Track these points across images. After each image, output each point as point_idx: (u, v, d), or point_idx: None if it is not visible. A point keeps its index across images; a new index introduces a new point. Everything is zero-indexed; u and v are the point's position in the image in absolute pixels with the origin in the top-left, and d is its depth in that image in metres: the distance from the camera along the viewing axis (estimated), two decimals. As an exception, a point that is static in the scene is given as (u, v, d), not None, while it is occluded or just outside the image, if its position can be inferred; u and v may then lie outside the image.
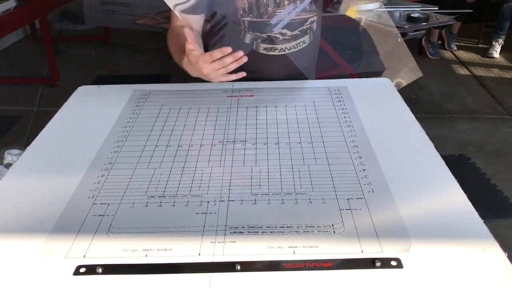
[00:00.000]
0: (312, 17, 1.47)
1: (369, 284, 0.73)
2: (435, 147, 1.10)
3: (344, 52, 3.71)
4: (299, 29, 1.46)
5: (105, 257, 0.79)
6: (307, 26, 1.47)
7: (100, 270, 0.76)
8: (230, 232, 0.84)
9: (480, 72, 4.22)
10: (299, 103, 1.33)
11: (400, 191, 0.94)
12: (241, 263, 0.76)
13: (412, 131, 1.18)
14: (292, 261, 0.77)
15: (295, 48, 1.48)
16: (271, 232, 0.84)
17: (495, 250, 0.78)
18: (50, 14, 4.08)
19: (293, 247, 0.80)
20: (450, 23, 3.25)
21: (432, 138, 1.14)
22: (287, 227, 0.85)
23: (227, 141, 1.15)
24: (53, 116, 1.31)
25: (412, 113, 1.27)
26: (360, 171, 1.01)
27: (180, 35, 1.36)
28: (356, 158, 1.06)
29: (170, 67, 4.07)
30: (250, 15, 1.43)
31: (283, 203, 0.92)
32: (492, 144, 3.07)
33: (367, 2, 2.48)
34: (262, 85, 1.47)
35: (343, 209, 0.89)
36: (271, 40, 1.45)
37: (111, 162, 1.07)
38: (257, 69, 1.43)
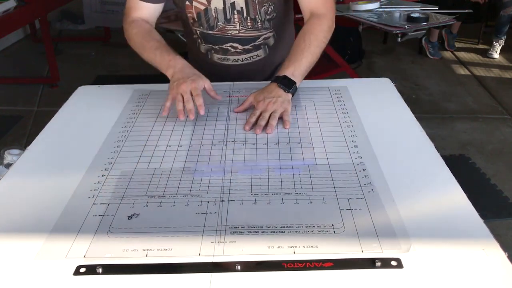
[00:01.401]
0: (266, 34, 1.45)
1: (369, 284, 0.73)
2: (435, 147, 1.10)
3: (344, 52, 3.71)
4: (251, 44, 1.46)
5: (105, 257, 0.79)
6: (260, 42, 1.46)
7: (100, 270, 0.76)
8: (230, 232, 0.84)
9: (480, 72, 4.22)
10: (299, 103, 1.33)
11: (400, 191, 0.94)
12: (241, 263, 0.76)
13: (412, 131, 1.18)
14: (292, 261, 0.77)
15: (248, 60, 1.49)
16: (271, 232, 0.84)
17: (495, 250, 0.78)
18: (50, 14, 4.08)
19: (293, 247, 0.80)
20: (450, 23, 3.25)
21: (432, 138, 1.14)
22: (287, 227, 0.85)
23: (227, 141, 1.15)
24: (53, 116, 1.31)
25: (412, 113, 1.27)
26: (360, 171, 1.01)
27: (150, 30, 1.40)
28: (356, 158, 1.06)
29: (170, 67, 4.08)
30: (201, 26, 1.43)
31: (283, 203, 0.92)
32: (492, 144, 3.07)
33: (367, 2, 2.48)
34: (262, 85, 1.46)
35: (343, 209, 0.89)
36: (223, 51, 1.48)
37: (111, 162, 1.07)
38: (214, 75, 1.38)
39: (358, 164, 1.03)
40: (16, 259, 0.79)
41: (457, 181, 0.98)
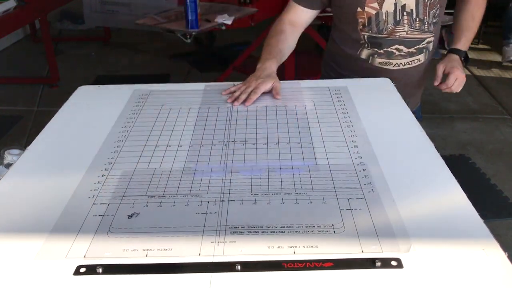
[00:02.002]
0: (429, 37, 1.52)
1: (369, 284, 0.73)
2: (435, 147, 1.10)
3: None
4: (415, 47, 1.52)
5: (105, 257, 0.79)
6: (424, 45, 1.53)
7: (100, 270, 0.76)
8: (230, 232, 0.84)
9: (480, 72, 4.21)
10: (299, 103, 1.33)
11: (400, 191, 0.94)
12: (241, 263, 0.76)
13: (412, 131, 1.18)
14: (292, 261, 0.77)
15: (409, 64, 1.55)
16: (271, 232, 0.84)
17: (495, 250, 0.78)
18: (50, 14, 4.08)
19: (293, 247, 0.80)
20: (450, 23, 3.24)
21: (432, 138, 1.14)
22: (287, 227, 0.85)
23: (227, 141, 1.15)
24: (53, 116, 1.31)
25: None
26: (360, 171, 1.01)
27: (280, 37, 1.53)
28: (356, 158, 1.06)
29: (170, 67, 4.08)
30: (370, 31, 1.50)
31: (283, 203, 0.92)
32: (492, 144, 3.07)
33: (367, 2, 2.48)
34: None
35: (343, 209, 0.89)
36: (387, 55, 1.53)
37: (111, 162, 1.07)
38: None
39: (358, 164, 1.03)
40: (16, 259, 0.79)
41: (457, 181, 0.98)
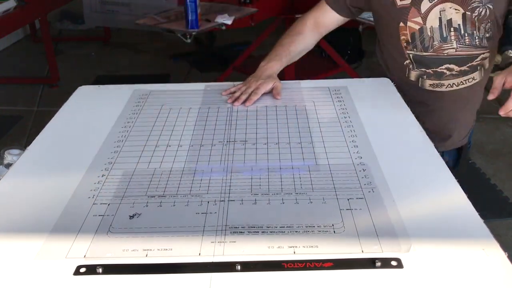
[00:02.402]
0: (483, 53, 1.35)
1: (369, 284, 0.73)
2: (435, 147, 1.10)
3: (344, 52, 3.71)
4: (468, 65, 1.36)
5: (105, 257, 0.79)
6: (478, 62, 1.36)
7: (100, 270, 0.76)
8: (230, 232, 0.84)
9: (480, 72, 4.21)
10: (299, 103, 1.33)
11: (400, 191, 0.94)
12: (241, 263, 0.76)
13: (412, 131, 1.18)
14: (292, 261, 0.77)
15: (463, 84, 1.38)
16: (271, 232, 0.84)
17: (495, 250, 0.78)
18: (50, 14, 4.08)
19: (293, 247, 0.80)
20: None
21: (432, 139, 1.13)
22: (287, 227, 0.85)
23: (227, 141, 1.15)
24: (53, 116, 1.31)
25: (412, 113, 1.27)
26: (360, 171, 1.01)
27: (296, 37, 1.49)
28: (356, 158, 1.06)
29: (170, 67, 4.08)
30: (414, 48, 1.37)
31: (283, 203, 0.92)
32: (492, 144, 3.06)
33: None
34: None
35: (343, 209, 0.89)
36: (437, 75, 1.38)
37: (111, 162, 1.07)
38: (425, 105, 1.41)
39: (358, 164, 1.03)
40: (16, 259, 0.79)
41: (457, 181, 0.98)
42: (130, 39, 4.72)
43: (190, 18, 2.24)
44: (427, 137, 1.14)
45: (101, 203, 0.93)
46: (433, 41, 1.34)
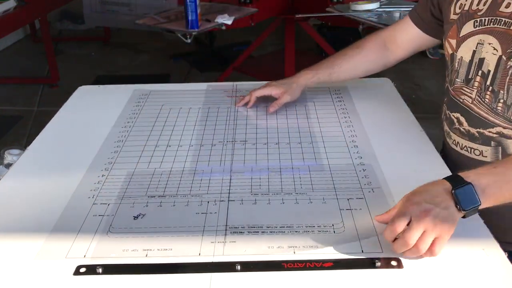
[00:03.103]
0: (504, 128, 0.98)
1: (369, 284, 0.73)
2: (435, 147, 1.10)
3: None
4: (478, 129, 1.02)
5: (105, 257, 0.79)
6: (493, 134, 1.00)
7: (100, 270, 0.76)
8: (230, 232, 0.84)
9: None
10: (299, 103, 1.33)
11: (400, 191, 0.93)
12: (241, 263, 0.76)
13: (412, 131, 1.18)
14: (292, 261, 0.77)
15: (466, 151, 1.05)
16: (271, 232, 0.84)
17: (495, 250, 0.78)
18: (50, 14, 4.07)
19: (293, 247, 0.80)
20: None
21: (432, 138, 1.14)
22: (287, 227, 0.85)
23: (227, 141, 1.15)
24: (53, 116, 1.31)
25: (412, 113, 1.27)
26: (360, 171, 1.01)
27: (352, 51, 1.27)
28: (356, 158, 1.06)
29: (170, 67, 4.08)
30: (448, 75, 1.11)
31: (283, 203, 0.92)
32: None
33: (367, 2, 2.48)
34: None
35: (343, 209, 0.89)
36: (448, 120, 1.09)
37: (111, 162, 1.07)
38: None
39: (358, 164, 1.03)
40: (16, 259, 0.79)
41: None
42: (130, 39, 4.72)
43: (190, 18, 2.23)
44: (427, 137, 1.14)
45: (101, 203, 0.93)
46: (457, 77, 1.05)
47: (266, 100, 1.30)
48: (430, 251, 0.75)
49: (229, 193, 0.95)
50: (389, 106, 1.32)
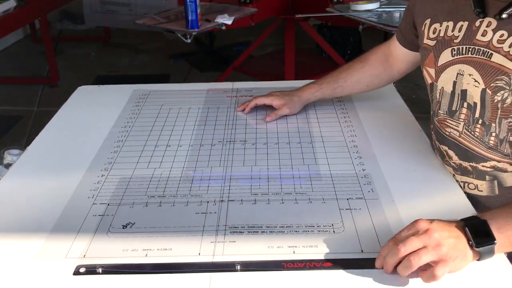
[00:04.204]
0: (501, 161, 0.93)
1: (369, 284, 0.73)
2: (435, 147, 1.10)
3: (344, 52, 3.71)
4: (471, 163, 0.97)
5: (105, 257, 0.79)
6: (487, 169, 0.95)
7: (100, 270, 0.76)
8: (230, 232, 0.84)
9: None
10: (299, 103, 1.32)
11: (400, 191, 0.94)
12: (241, 263, 0.76)
13: (412, 131, 1.18)
14: (292, 260, 0.77)
15: (460, 184, 0.99)
16: (271, 232, 0.84)
17: (495, 250, 0.78)
18: (50, 14, 4.07)
19: (293, 247, 0.80)
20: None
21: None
22: (287, 227, 0.85)
23: (227, 141, 1.15)
24: (53, 116, 1.31)
25: (412, 113, 1.27)
26: (360, 171, 1.01)
27: (356, 65, 1.24)
28: (356, 158, 1.06)
29: (170, 67, 4.08)
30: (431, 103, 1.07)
31: (283, 203, 0.92)
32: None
33: (367, 2, 2.48)
34: (262, 85, 1.47)
35: (343, 209, 0.89)
36: (440, 153, 1.04)
37: (111, 162, 1.07)
38: None
39: (357, 164, 1.04)
40: (16, 259, 0.79)
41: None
42: (130, 39, 4.72)
43: (190, 18, 2.23)
44: (427, 137, 1.14)
45: (100, 203, 0.93)
46: (439, 108, 1.01)
47: (268, 106, 1.29)
48: (431, 273, 0.70)
49: (229, 193, 0.95)
50: (389, 106, 1.32)
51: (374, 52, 1.25)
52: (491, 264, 0.75)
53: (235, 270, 0.76)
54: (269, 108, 1.27)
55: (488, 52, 0.89)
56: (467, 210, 0.89)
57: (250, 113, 1.28)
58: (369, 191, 0.94)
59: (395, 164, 1.04)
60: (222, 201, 0.93)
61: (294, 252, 0.79)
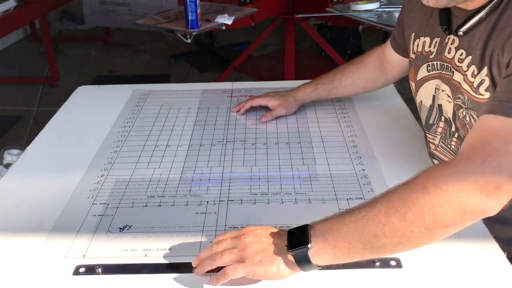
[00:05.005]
0: None
1: (369, 284, 0.73)
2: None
3: (344, 52, 3.72)
4: None
5: (105, 257, 0.79)
6: None
7: (99, 270, 0.76)
8: (230, 232, 0.84)
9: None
10: (298, 103, 1.32)
11: (400, 191, 0.94)
12: (240, 263, 0.76)
13: (412, 131, 1.18)
14: (291, 261, 0.77)
15: None
16: (270, 232, 0.83)
17: (494, 250, 0.78)
18: (50, 14, 4.07)
19: (293, 247, 0.80)
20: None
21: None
22: (286, 227, 0.84)
23: (226, 141, 1.15)
24: (53, 116, 1.31)
25: (412, 113, 1.27)
26: (359, 171, 1.01)
27: (352, 66, 1.23)
28: (355, 158, 1.06)
29: (170, 67, 4.08)
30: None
31: (282, 203, 0.92)
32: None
33: (367, 2, 2.48)
34: (262, 85, 1.47)
35: (342, 209, 0.89)
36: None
37: (111, 162, 1.07)
38: None
39: (357, 164, 1.03)
40: (15, 259, 0.79)
41: None
42: (130, 39, 4.72)
43: (190, 18, 2.23)
44: (426, 137, 1.14)
45: (100, 203, 0.93)
46: (421, 119, 1.04)
47: (266, 106, 1.29)
48: (223, 271, 0.71)
49: (228, 193, 0.95)
50: (389, 106, 1.32)
51: (370, 55, 1.24)
52: (491, 264, 0.76)
53: (235, 270, 0.75)
54: (269, 108, 1.27)
55: (452, 69, 0.90)
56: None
57: (249, 114, 1.28)
58: (368, 191, 0.94)
59: (395, 164, 1.03)
60: (221, 201, 0.93)
61: (293, 252, 0.79)
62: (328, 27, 3.75)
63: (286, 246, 0.71)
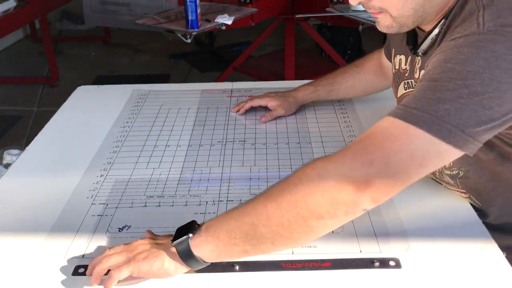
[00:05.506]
0: (457, 190, 0.92)
1: (368, 284, 0.73)
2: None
3: (344, 52, 3.71)
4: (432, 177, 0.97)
5: (104, 257, 0.79)
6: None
7: (98, 270, 0.76)
8: (229, 232, 0.84)
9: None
10: (298, 103, 1.32)
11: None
12: (240, 263, 0.76)
13: (411, 131, 1.17)
14: (291, 261, 0.77)
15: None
16: (269, 232, 0.83)
17: (493, 250, 0.78)
18: (50, 14, 4.07)
19: (292, 247, 0.80)
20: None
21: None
22: (285, 227, 0.84)
23: (226, 141, 1.15)
24: (53, 116, 1.31)
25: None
26: (359, 171, 1.01)
27: (352, 69, 1.24)
28: (355, 158, 1.06)
29: (170, 67, 4.08)
30: None
31: (282, 203, 0.92)
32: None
33: (367, 2, 2.47)
34: (261, 85, 1.47)
35: (341, 209, 0.89)
36: None
37: (110, 162, 1.07)
38: None
39: (357, 164, 1.03)
40: (15, 259, 0.79)
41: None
42: (130, 39, 4.72)
43: (190, 18, 2.23)
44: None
45: (99, 203, 0.93)
46: None
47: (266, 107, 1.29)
48: (110, 273, 0.71)
49: (227, 193, 0.95)
50: (389, 107, 1.31)
51: (369, 59, 1.24)
52: (490, 264, 0.76)
53: (234, 271, 0.76)
54: (268, 108, 1.27)
55: None
56: (466, 209, 0.89)
57: (249, 114, 1.28)
58: (368, 191, 0.94)
59: (394, 164, 1.03)
60: (221, 201, 0.93)
61: (293, 252, 0.79)
62: (328, 27, 3.75)
63: (171, 241, 0.72)
